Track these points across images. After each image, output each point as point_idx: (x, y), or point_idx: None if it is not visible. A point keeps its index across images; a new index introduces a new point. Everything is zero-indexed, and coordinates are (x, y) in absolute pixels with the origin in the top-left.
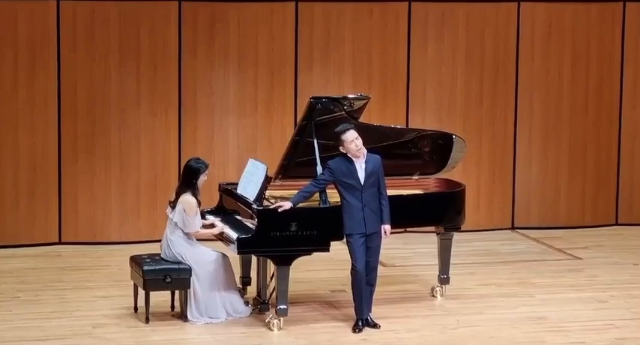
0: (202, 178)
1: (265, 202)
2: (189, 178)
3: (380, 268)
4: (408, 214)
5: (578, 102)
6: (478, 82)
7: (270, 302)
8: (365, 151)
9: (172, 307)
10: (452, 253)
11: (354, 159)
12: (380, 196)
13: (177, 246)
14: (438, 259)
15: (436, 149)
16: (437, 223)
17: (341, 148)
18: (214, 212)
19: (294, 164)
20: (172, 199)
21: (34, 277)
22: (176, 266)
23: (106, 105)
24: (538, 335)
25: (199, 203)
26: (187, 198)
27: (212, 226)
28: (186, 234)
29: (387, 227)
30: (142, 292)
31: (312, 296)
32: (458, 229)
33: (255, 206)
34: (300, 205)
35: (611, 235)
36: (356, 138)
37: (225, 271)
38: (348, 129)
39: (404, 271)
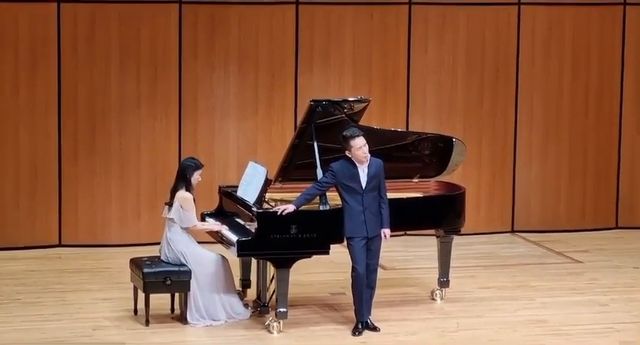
0: (196, 177)
1: (265, 205)
2: (182, 176)
3: (380, 270)
4: (408, 217)
5: (578, 105)
6: (478, 84)
7: (269, 305)
8: (369, 156)
9: (172, 309)
10: (452, 256)
11: (357, 163)
12: (380, 200)
13: (178, 243)
14: (438, 262)
15: (436, 152)
16: (437, 226)
17: (346, 153)
18: (214, 215)
19: (294, 167)
20: (168, 200)
21: (35, 280)
22: (176, 268)
23: (106, 107)
24: (538, 339)
25: (194, 200)
26: (182, 194)
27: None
28: (185, 230)
29: (386, 231)
30: (142, 295)
31: (312, 299)
32: (458, 232)
33: (255, 209)
34: (300, 207)
35: (612, 238)
36: (364, 145)
37: (224, 273)
38: (357, 135)
39: (404, 274)
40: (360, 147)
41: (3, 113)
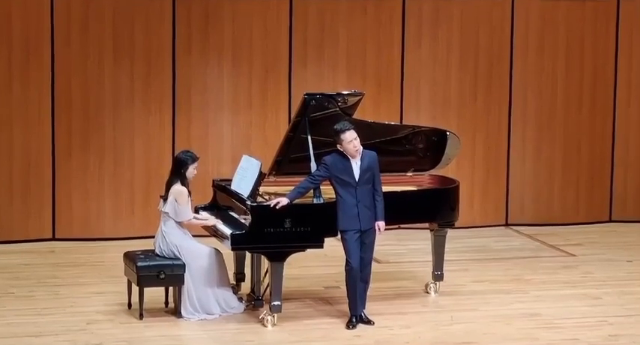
0: (191, 171)
1: (259, 198)
2: (177, 169)
3: (374, 264)
4: (402, 211)
5: (572, 99)
6: (472, 78)
7: (264, 298)
8: (361, 149)
9: (166, 303)
10: (446, 249)
11: (349, 156)
12: (374, 193)
13: (172, 236)
14: (432, 255)
15: (430, 146)
16: (431, 219)
17: (338, 146)
18: (208, 208)
19: (288, 160)
20: (163, 194)
21: (28, 273)
22: (170, 262)
23: (100, 101)
24: (532, 332)
25: (189, 193)
26: (178, 187)
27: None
28: (180, 224)
29: (380, 224)
30: (135, 288)
31: (306, 292)
32: (452, 226)
33: (249, 202)
34: (294, 201)
35: (605, 231)
36: (354, 138)
37: (218, 266)
38: (347, 129)
39: (398, 267)
40: (350, 141)
41: None
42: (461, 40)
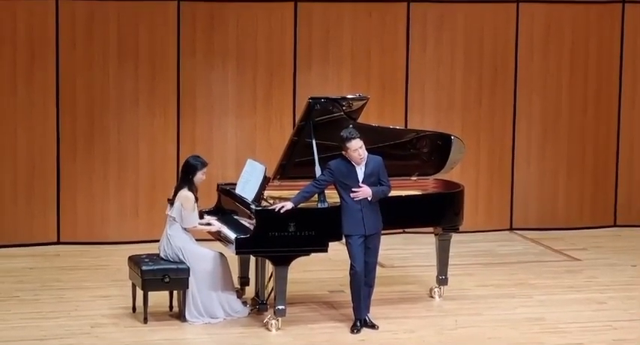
0: (200, 176)
1: (264, 203)
2: (186, 174)
3: (378, 268)
4: (407, 215)
5: (576, 103)
6: (477, 82)
7: (268, 302)
8: (366, 155)
9: (171, 307)
10: (450, 253)
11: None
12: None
13: (177, 240)
14: (437, 259)
15: (435, 150)
16: (435, 223)
17: (343, 152)
18: (213, 212)
19: (292, 164)
20: (171, 197)
21: (33, 277)
22: (174, 266)
23: (104, 104)
24: (536, 336)
25: (197, 199)
26: (185, 193)
27: (209, 224)
28: (185, 228)
29: (365, 187)
30: (140, 292)
31: (311, 297)
32: (456, 230)
33: (253, 206)
34: (299, 205)
35: (610, 236)
36: (360, 147)
37: (223, 270)
38: (353, 137)
39: (402, 271)
40: (355, 149)
41: (1, 111)
42: (465, 44)
